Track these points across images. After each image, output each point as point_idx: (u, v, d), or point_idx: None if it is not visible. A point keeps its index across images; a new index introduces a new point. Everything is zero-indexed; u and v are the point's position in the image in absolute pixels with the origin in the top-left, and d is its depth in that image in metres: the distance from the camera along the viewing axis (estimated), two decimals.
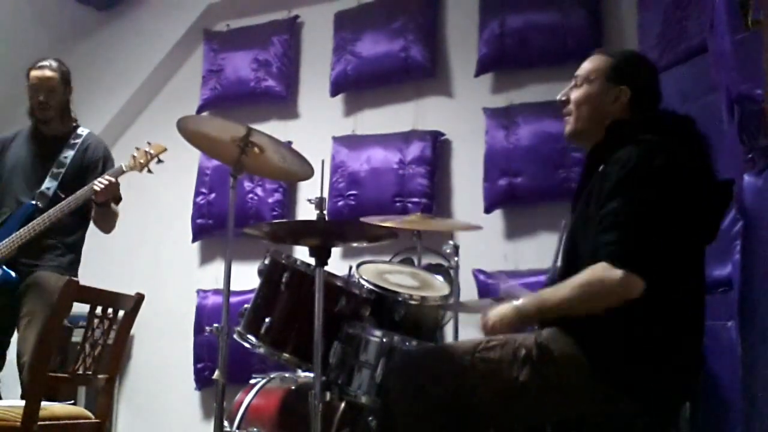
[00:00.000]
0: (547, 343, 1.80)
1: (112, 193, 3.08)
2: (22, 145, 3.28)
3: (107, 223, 3.25)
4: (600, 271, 1.70)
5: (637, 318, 1.74)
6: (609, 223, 1.74)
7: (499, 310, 1.87)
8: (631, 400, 1.76)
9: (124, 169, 3.10)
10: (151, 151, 3.14)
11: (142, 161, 3.12)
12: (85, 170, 3.17)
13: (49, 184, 3.14)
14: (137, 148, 3.18)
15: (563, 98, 2.04)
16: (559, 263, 2.03)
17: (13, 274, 3.04)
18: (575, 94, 2.02)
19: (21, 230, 3.03)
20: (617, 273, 1.67)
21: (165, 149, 3.18)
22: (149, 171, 3.17)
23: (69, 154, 3.21)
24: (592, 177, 1.92)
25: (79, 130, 3.30)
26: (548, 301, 1.80)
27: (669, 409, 1.83)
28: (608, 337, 1.75)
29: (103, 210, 3.14)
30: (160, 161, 3.17)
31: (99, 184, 3.01)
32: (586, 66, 2.03)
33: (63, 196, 3.09)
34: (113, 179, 3.03)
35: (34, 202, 3.11)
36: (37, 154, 3.24)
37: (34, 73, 3.21)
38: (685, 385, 1.87)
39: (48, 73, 3.21)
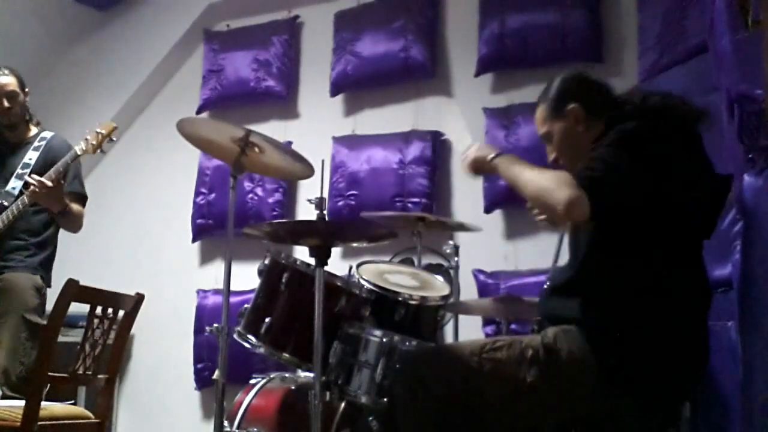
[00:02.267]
0: (553, 344, 1.81)
1: (49, 194, 3.01)
2: None
3: (71, 226, 3.27)
4: (563, 178, 1.73)
5: (642, 318, 1.76)
6: (590, 158, 1.79)
7: (483, 150, 1.98)
8: (636, 400, 1.77)
9: (78, 152, 3.07)
10: (102, 131, 3.12)
11: (94, 143, 3.10)
12: (50, 169, 3.11)
13: (14, 184, 3.15)
14: (88, 131, 3.16)
15: (552, 158, 2.07)
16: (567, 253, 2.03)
17: None
18: (553, 152, 2.06)
19: None
20: (572, 189, 1.69)
21: (115, 127, 3.16)
22: (102, 151, 3.15)
23: (34, 155, 3.22)
24: None
25: (44, 134, 3.32)
26: (515, 168, 1.88)
27: (673, 407, 1.84)
28: (615, 337, 1.77)
29: (64, 217, 3.16)
30: (111, 140, 3.16)
31: (32, 184, 2.98)
32: (538, 123, 2.07)
33: None
34: (43, 180, 2.98)
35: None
36: (1, 159, 3.25)
37: None
38: (688, 383, 1.89)
39: (4, 80, 3.21)
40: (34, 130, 3.33)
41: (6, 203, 3.09)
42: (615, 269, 1.82)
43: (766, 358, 2.03)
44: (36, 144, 3.26)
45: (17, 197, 3.09)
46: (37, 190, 2.97)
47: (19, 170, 3.18)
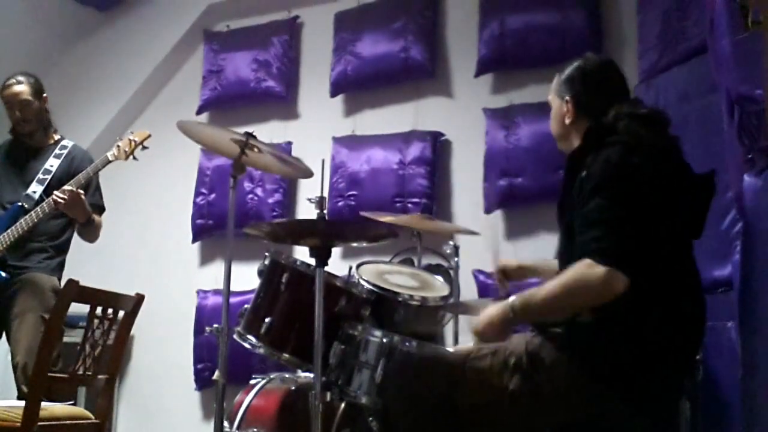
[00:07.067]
0: (537, 351, 1.81)
1: (76, 204, 3.04)
2: (6, 155, 3.32)
3: (92, 236, 3.30)
4: (583, 268, 1.69)
5: (622, 318, 1.74)
6: (590, 221, 1.75)
7: (488, 314, 1.86)
8: (623, 401, 1.75)
9: (110, 158, 3.09)
10: (135, 139, 3.13)
11: (126, 149, 3.11)
12: (71, 179, 3.14)
13: (35, 188, 3.17)
14: (120, 138, 3.17)
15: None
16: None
17: (3, 273, 3.07)
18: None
19: (8, 230, 3.07)
20: (600, 269, 1.67)
21: (149, 135, 3.17)
22: (134, 158, 3.15)
23: (55, 163, 3.24)
24: (574, 183, 1.93)
25: (64, 142, 3.34)
26: (534, 300, 1.79)
27: (663, 407, 1.82)
28: (595, 339, 1.76)
29: (87, 227, 3.19)
30: (144, 148, 3.16)
31: (58, 196, 2.99)
32: (550, 90, 2.13)
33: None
34: (73, 188, 3.00)
35: (20, 204, 3.13)
36: (22, 163, 3.27)
37: (4, 92, 3.23)
38: (677, 382, 1.87)
39: (16, 88, 3.22)
40: (54, 137, 3.35)
41: (26, 206, 3.12)
42: None
43: (766, 358, 2.03)
44: (57, 151, 3.28)
45: (38, 201, 3.11)
46: (64, 201, 2.99)
47: (40, 175, 3.21)
